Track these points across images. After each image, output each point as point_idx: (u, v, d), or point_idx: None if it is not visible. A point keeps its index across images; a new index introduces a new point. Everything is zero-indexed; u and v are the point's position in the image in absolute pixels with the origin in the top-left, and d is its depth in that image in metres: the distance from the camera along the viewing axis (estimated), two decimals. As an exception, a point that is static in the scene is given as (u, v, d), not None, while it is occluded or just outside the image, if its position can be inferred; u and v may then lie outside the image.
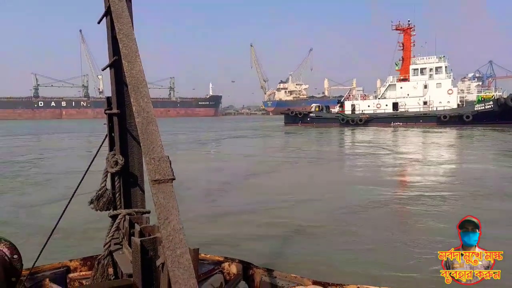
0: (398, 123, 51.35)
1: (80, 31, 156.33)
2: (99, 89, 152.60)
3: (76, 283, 3.43)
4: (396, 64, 58.04)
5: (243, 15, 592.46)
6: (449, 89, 51.86)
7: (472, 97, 55.09)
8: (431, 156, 20.38)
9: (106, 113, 2.83)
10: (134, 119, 2.26)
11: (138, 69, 1.82)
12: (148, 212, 2.71)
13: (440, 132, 39.20)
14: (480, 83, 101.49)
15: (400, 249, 6.65)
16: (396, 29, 57.59)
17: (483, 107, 46.97)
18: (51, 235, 2.69)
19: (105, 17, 2.72)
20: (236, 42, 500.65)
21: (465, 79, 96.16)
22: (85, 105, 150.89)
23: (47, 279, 3.36)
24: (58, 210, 2.92)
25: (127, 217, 2.54)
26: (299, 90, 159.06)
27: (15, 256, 2.07)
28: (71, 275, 3.53)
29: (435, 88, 52.48)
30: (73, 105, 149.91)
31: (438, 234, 7.18)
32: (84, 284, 3.35)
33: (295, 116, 61.03)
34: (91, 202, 2.81)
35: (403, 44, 56.98)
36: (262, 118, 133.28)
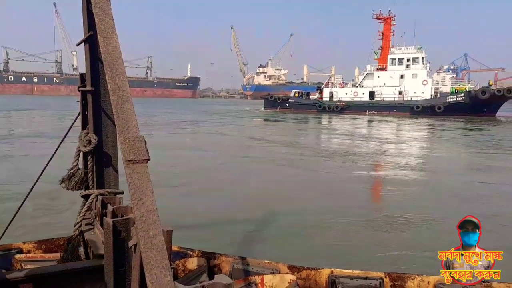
0: (373, 111, 52.16)
1: (54, 4, 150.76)
2: (73, 65, 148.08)
3: (19, 265, 3.29)
4: (375, 53, 58.55)
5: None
6: (424, 80, 52.82)
7: (447, 88, 56.06)
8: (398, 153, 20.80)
9: (79, 90, 2.76)
10: (109, 97, 2.20)
11: (114, 45, 1.76)
12: (122, 193, 2.67)
13: (408, 122, 40.00)
14: (455, 75, 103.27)
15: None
16: (377, 18, 57.91)
17: (455, 99, 48.10)
18: (15, 215, 2.61)
19: (80, -10, 2.62)
20: (216, 24, 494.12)
21: (440, 71, 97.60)
22: (58, 81, 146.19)
23: None
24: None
25: (100, 197, 2.50)
26: (278, 75, 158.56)
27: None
28: (17, 256, 3.38)
29: (411, 79, 53.33)
30: (45, 81, 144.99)
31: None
32: (29, 268, 3.22)
33: (274, 101, 61.45)
34: (62, 181, 2.75)
35: (382, 33, 57.45)
36: (241, 101, 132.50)
